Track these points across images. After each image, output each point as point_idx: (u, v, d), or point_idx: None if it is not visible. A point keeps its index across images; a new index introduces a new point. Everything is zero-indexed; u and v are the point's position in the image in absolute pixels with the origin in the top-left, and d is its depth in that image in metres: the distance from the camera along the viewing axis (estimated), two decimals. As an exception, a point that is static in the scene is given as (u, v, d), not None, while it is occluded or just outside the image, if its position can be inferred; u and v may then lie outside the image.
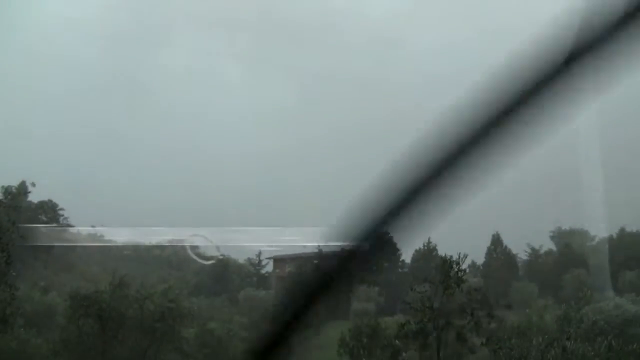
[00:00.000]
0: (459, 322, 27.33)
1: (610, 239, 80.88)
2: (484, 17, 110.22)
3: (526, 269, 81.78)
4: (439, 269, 29.03)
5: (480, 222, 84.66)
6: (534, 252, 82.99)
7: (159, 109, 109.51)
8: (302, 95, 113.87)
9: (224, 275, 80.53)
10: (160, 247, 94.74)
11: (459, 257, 28.31)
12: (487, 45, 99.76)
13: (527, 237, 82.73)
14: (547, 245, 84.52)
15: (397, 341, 33.57)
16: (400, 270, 78.43)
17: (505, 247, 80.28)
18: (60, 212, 78.76)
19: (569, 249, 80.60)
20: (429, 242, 77.65)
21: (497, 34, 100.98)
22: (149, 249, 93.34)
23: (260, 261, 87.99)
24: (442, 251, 74.11)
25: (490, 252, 79.78)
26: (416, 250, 77.24)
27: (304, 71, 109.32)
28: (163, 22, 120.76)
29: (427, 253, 75.33)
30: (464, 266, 70.41)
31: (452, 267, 28.33)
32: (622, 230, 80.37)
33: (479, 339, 27.49)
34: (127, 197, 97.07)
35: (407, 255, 79.63)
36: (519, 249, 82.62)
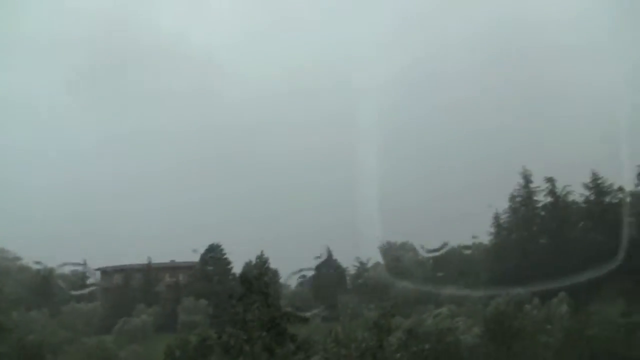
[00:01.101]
0: (266, 334, 27.33)
1: (436, 253, 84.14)
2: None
3: (354, 281, 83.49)
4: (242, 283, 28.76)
5: (314, 236, 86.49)
6: (362, 265, 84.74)
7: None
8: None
9: (46, 287, 77.32)
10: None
11: (262, 270, 28.63)
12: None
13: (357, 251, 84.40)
14: (376, 258, 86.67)
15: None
16: (232, 282, 78.13)
17: (335, 260, 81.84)
18: None
19: (398, 263, 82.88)
20: (261, 255, 77.82)
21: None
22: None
23: (85, 273, 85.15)
24: (275, 264, 75.44)
25: (319, 265, 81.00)
26: (246, 263, 77.20)
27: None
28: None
29: (260, 265, 75.36)
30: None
31: (251, 282, 28.15)
32: (445, 245, 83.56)
33: (287, 348, 27.50)
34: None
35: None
36: (349, 263, 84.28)
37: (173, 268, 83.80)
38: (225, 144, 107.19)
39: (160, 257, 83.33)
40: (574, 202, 75.35)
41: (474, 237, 79.39)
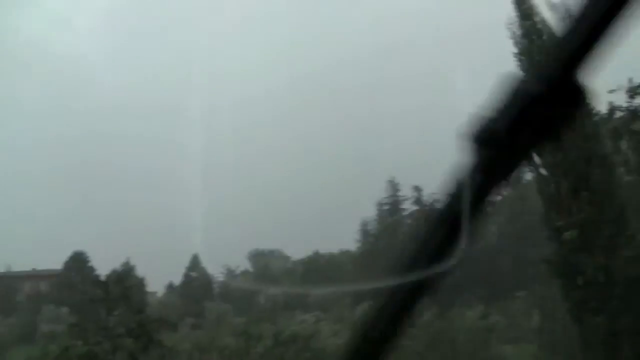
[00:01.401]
0: (132, 344, 26.42)
1: (305, 260, 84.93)
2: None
3: (222, 288, 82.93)
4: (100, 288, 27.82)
5: (182, 243, 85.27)
6: (230, 272, 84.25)
7: None
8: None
9: None
10: None
11: (122, 274, 28.10)
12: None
13: (227, 258, 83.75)
14: (245, 265, 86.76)
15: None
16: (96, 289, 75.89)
17: (203, 267, 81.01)
18: None
19: (267, 270, 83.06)
20: (127, 262, 76.00)
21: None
22: None
23: None
24: (143, 272, 73.86)
25: (187, 272, 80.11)
26: (113, 270, 75.15)
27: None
28: None
29: (124, 274, 73.51)
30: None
31: (107, 286, 27.32)
32: (317, 252, 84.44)
33: (151, 356, 26.76)
34: None
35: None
36: (216, 270, 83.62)
37: (34, 277, 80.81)
38: (84, 154, 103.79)
39: (21, 265, 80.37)
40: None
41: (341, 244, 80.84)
